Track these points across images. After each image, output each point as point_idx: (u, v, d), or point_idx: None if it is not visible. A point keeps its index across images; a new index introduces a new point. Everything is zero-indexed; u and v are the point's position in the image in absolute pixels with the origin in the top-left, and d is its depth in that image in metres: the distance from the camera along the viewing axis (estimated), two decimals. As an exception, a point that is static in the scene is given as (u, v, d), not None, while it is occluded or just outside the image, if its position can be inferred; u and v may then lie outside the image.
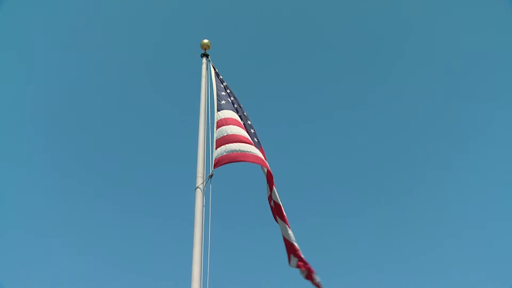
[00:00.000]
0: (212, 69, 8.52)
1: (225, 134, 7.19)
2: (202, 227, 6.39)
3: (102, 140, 22.07)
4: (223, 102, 7.84)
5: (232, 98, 8.12)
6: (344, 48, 24.13)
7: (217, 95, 7.95)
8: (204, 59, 8.69)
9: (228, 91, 8.26)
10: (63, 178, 20.52)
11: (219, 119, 7.47)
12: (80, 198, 20.30)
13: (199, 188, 6.73)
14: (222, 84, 8.33)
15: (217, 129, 7.31)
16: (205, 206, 6.61)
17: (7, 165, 18.92)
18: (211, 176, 6.77)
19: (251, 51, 24.66)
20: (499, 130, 20.72)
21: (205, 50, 8.84)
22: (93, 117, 22.12)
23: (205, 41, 8.90)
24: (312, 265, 6.84)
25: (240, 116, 7.85)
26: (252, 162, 6.99)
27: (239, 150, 6.99)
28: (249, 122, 7.93)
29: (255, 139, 7.64)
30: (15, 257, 16.82)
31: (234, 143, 7.05)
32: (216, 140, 7.12)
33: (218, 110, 7.63)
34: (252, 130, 7.81)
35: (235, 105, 8.04)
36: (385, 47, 23.76)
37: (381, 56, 23.98)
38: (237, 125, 7.41)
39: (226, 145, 7.03)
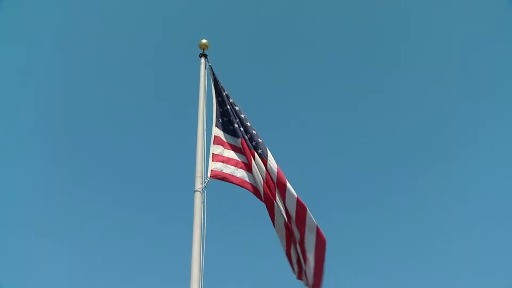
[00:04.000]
0: (211, 73, 8.45)
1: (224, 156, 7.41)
2: (201, 228, 6.42)
3: (101, 140, 22.13)
4: (222, 119, 7.91)
5: (228, 106, 8.04)
6: (342, 48, 24.20)
7: (217, 104, 8.03)
8: (202, 59, 8.64)
9: (225, 93, 8.22)
10: (62, 178, 20.59)
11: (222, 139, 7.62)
12: (79, 199, 20.37)
13: (198, 189, 6.75)
14: (219, 86, 8.26)
15: (214, 143, 7.45)
16: (204, 206, 6.64)
17: (7, 165, 18.95)
18: (207, 182, 6.90)
19: (250, 50, 24.72)
20: (498, 130, 20.82)
21: (203, 50, 8.80)
22: (92, 118, 22.15)
23: (204, 41, 8.85)
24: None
25: (238, 121, 7.89)
26: (248, 189, 7.19)
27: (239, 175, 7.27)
28: (242, 116, 7.99)
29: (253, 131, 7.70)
30: (15, 257, 16.86)
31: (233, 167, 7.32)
32: (213, 154, 7.28)
33: (216, 126, 7.74)
34: (248, 123, 7.83)
35: (234, 108, 8.05)
36: (384, 46, 23.85)
37: (380, 56, 24.07)
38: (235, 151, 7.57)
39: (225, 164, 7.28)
